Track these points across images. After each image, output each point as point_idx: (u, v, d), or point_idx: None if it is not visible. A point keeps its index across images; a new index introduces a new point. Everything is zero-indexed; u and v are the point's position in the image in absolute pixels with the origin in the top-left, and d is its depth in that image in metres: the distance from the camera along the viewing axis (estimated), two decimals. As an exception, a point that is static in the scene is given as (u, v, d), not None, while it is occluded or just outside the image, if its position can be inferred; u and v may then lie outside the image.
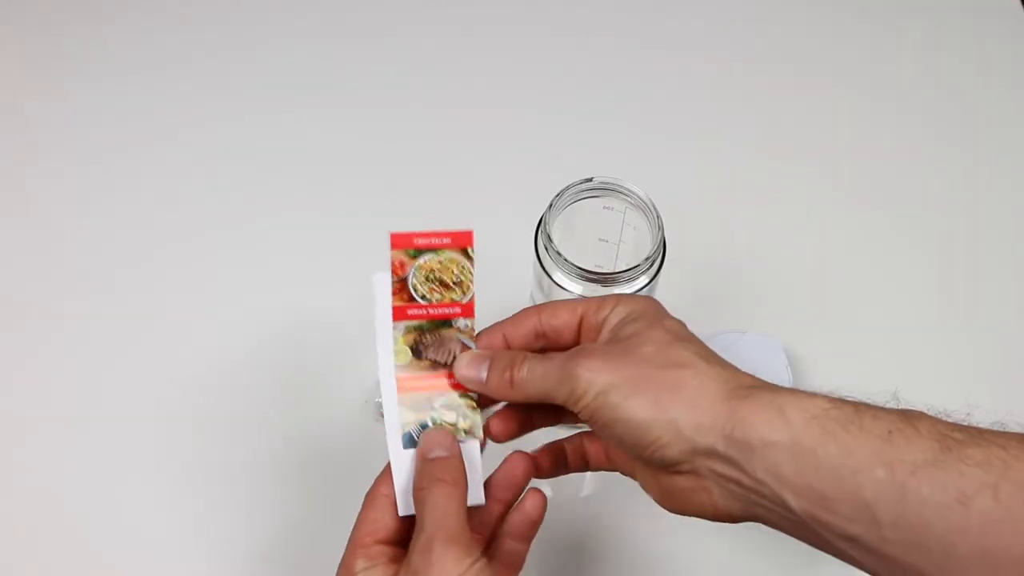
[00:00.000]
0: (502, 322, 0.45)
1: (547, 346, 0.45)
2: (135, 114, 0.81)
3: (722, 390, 0.39)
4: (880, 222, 0.76)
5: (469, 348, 0.46)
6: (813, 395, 0.39)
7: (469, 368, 0.44)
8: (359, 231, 0.73)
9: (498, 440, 0.46)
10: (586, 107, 0.82)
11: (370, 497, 0.44)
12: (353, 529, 0.43)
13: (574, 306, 0.45)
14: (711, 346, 0.63)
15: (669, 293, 0.57)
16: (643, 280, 0.51)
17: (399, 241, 0.46)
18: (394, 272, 0.46)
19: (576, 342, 0.45)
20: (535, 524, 0.45)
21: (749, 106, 0.83)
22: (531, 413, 0.46)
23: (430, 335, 0.46)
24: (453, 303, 0.46)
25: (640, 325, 0.42)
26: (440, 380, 0.46)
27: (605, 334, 0.43)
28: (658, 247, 0.51)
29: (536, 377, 0.42)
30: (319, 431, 0.64)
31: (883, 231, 0.76)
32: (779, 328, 0.67)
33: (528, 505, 0.45)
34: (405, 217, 0.73)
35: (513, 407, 0.46)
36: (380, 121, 0.81)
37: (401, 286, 0.46)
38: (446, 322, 0.46)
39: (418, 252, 0.47)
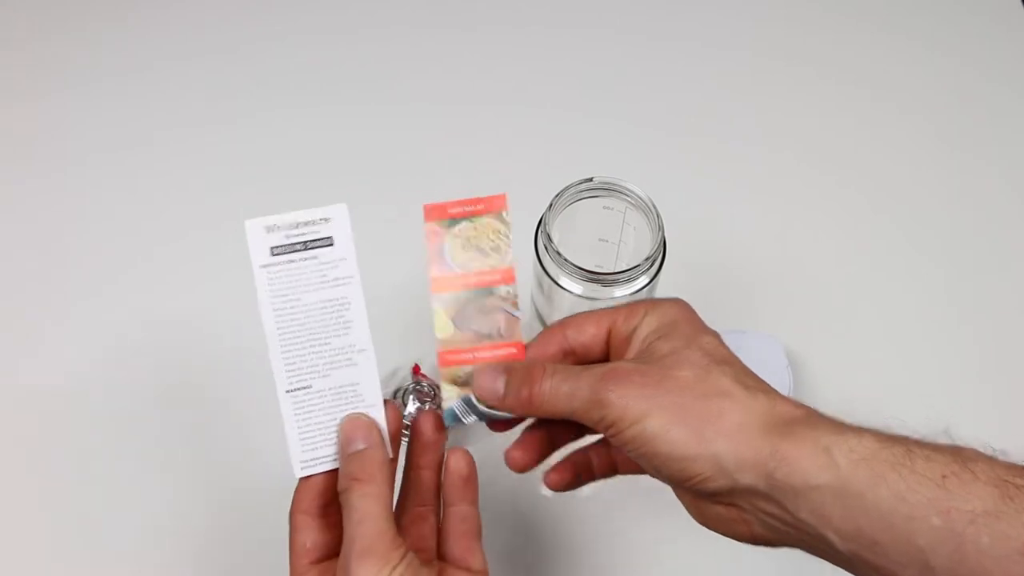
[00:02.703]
0: (528, 345, 0.43)
1: (577, 363, 0.42)
2: (125, 116, 0.81)
3: (764, 423, 0.37)
4: (880, 222, 0.76)
5: (513, 317, 0.44)
6: (859, 431, 0.37)
7: (486, 379, 0.42)
8: (355, 230, 0.73)
9: (519, 471, 0.44)
10: (586, 107, 0.82)
11: (292, 520, 0.42)
12: (289, 558, 0.42)
13: (600, 318, 0.42)
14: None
15: (669, 293, 0.57)
16: (643, 280, 0.51)
17: (433, 212, 0.47)
18: (430, 243, 0.47)
19: (606, 357, 0.42)
20: (469, 480, 0.44)
21: (750, 106, 0.83)
22: (552, 434, 0.44)
23: (473, 305, 0.45)
24: (492, 270, 0.45)
25: (676, 343, 0.39)
26: (484, 352, 0.44)
27: (636, 346, 0.41)
28: (658, 247, 0.51)
29: (560, 397, 0.39)
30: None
31: (884, 231, 0.76)
32: (779, 328, 0.66)
33: (452, 464, 0.44)
34: (402, 217, 0.74)
35: (534, 431, 0.44)
36: (375, 120, 0.81)
37: (438, 257, 0.46)
38: (487, 291, 0.45)
39: (453, 222, 0.47)
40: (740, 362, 0.40)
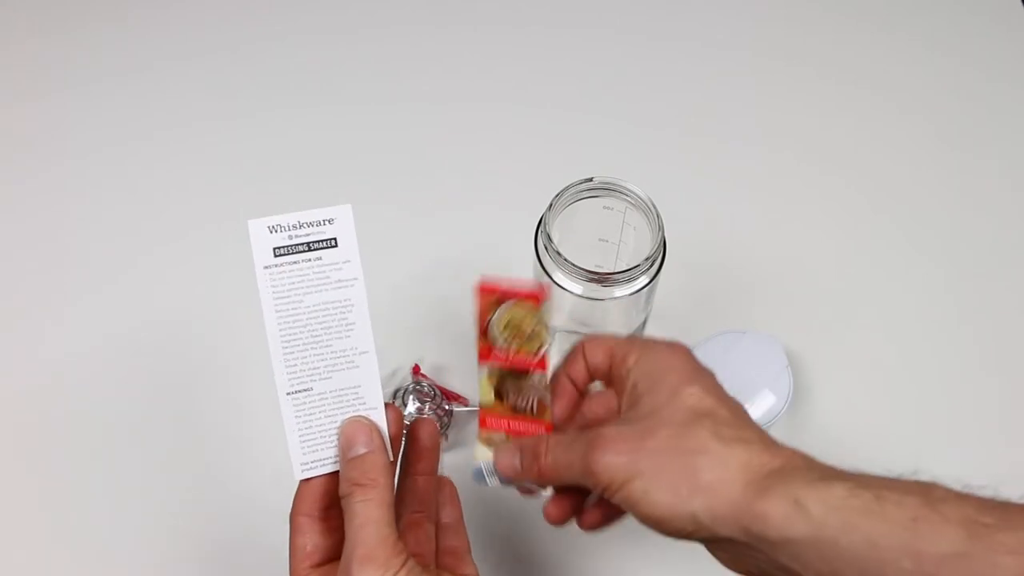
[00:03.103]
0: (561, 363, 0.46)
1: (595, 379, 0.46)
2: (124, 116, 0.81)
3: (739, 478, 0.38)
4: (881, 222, 0.76)
5: (545, 400, 0.48)
6: (830, 480, 0.37)
7: (505, 457, 0.45)
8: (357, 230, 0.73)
9: (556, 524, 0.46)
10: (586, 107, 0.82)
11: (292, 523, 0.43)
12: (289, 561, 0.42)
13: (606, 348, 0.45)
14: (711, 346, 0.64)
15: (669, 293, 0.58)
16: (643, 280, 0.51)
17: (485, 289, 0.49)
18: (480, 317, 0.50)
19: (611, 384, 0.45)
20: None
21: (750, 106, 0.83)
22: (581, 488, 0.45)
23: (512, 383, 0.50)
24: (530, 356, 0.49)
25: (659, 398, 0.41)
26: (519, 424, 0.49)
27: (627, 390, 0.43)
28: (658, 247, 0.50)
29: (561, 468, 0.42)
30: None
31: (884, 231, 0.76)
32: (779, 328, 0.66)
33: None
34: (398, 217, 0.74)
35: (565, 488, 0.46)
36: (375, 119, 0.81)
37: (485, 330, 0.50)
38: (523, 372, 0.50)
39: (500, 301, 0.50)
40: (725, 408, 0.41)
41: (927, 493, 0.36)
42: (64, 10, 0.87)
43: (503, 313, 0.50)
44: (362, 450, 0.41)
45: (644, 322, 0.58)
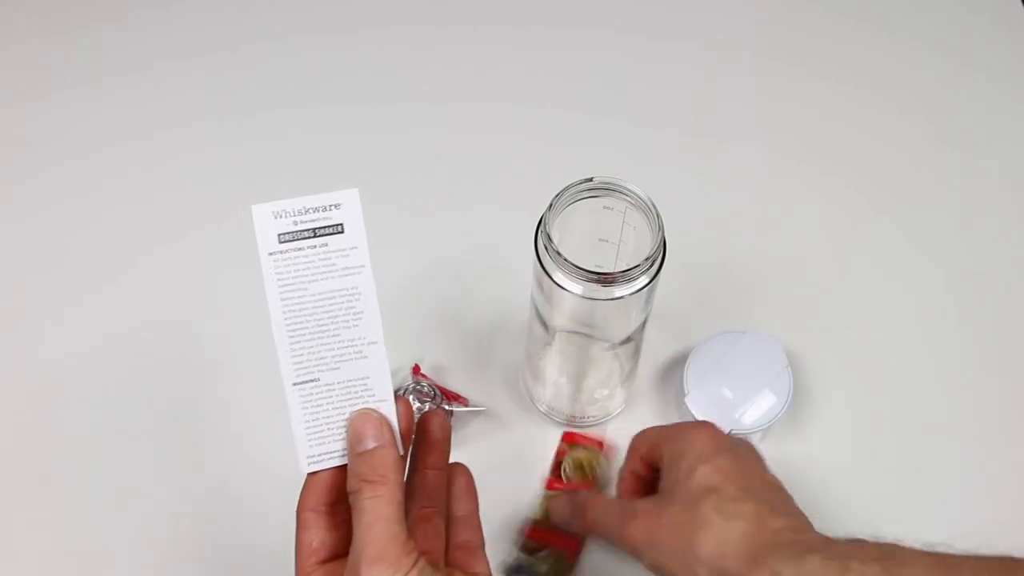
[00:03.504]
0: (624, 462, 0.54)
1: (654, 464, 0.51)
2: (124, 115, 0.81)
3: (736, 551, 0.43)
4: (881, 222, 0.76)
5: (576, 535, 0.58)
6: (806, 554, 0.41)
7: (560, 506, 0.55)
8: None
9: None
10: (586, 107, 0.82)
11: (299, 518, 0.42)
12: (295, 557, 0.41)
13: (649, 437, 0.52)
14: (711, 346, 0.64)
15: (669, 293, 0.58)
16: (643, 280, 0.51)
17: (566, 436, 0.63)
18: (557, 456, 0.62)
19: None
20: (470, 487, 0.48)
21: (750, 106, 0.83)
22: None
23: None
24: (591, 483, 0.61)
25: (678, 475, 0.47)
26: (556, 540, 0.58)
27: (662, 473, 0.49)
28: (658, 247, 0.50)
29: (600, 525, 0.50)
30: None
31: (884, 231, 0.76)
32: (779, 328, 0.66)
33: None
34: (399, 217, 0.74)
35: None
36: (375, 119, 0.81)
37: (557, 466, 0.62)
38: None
39: (573, 445, 0.63)
40: (732, 484, 0.46)
41: (889, 558, 0.40)
42: (64, 10, 0.87)
43: (574, 454, 0.62)
44: (371, 444, 0.40)
45: (644, 322, 0.58)
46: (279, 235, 0.40)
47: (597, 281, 0.50)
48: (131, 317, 0.70)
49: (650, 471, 0.52)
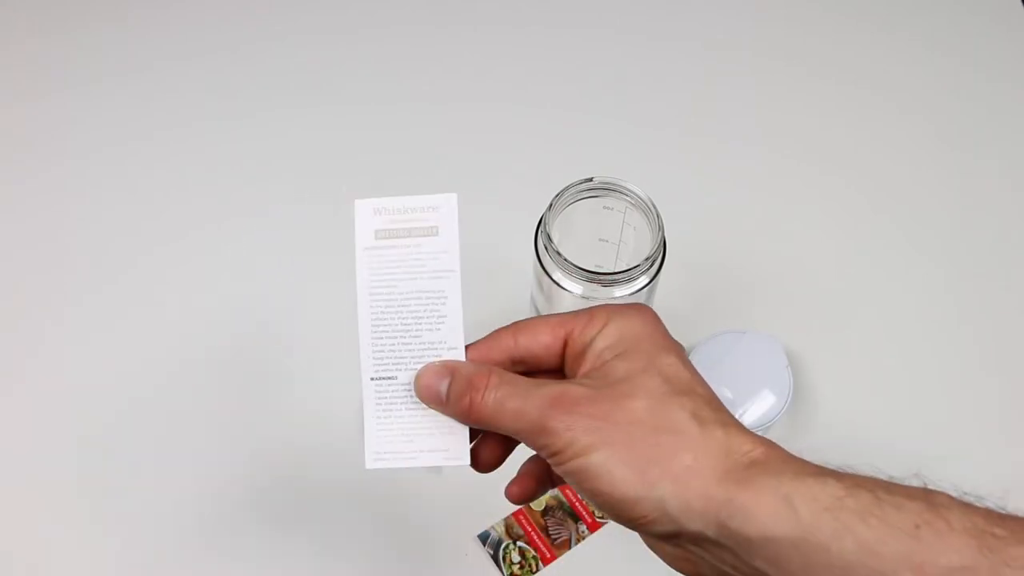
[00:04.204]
0: (473, 344, 0.40)
1: (526, 371, 0.40)
2: (124, 116, 0.81)
3: (718, 467, 0.34)
4: (880, 222, 0.76)
5: (580, 539, 0.59)
6: (822, 476, 0.34)
7: (430, 376, 0.40)
8: (350, 231, 0.73)
9: (518, 503, 0.43)
10: (586, 107, 0.82)
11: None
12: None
13: (556, 326, 0.39)
14: (711, 346, 0.64)
15: (669, 293, 0.58)
16: (643, 280, 0.51)
17: None
18: None
19: (559, 367, 0.40)
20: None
21: (750, 106, 0.83)
22: (550, 470, 0.40)
23: (560, 513, 0.61)
24: (592, 514, 0.61)
25: (633, 364, 0.37)
26: (540, 540, 0.60)
27: (590, 361, 0.38)
28: (658, 247, 0.50)
29: (506, 414, 0.37)
30: (318, 432, 0.64)
31: (884, 231, 0.75)
32: (779, 328, 0.66)
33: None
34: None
35: (530, 467, 0.42)
36: (375, 119, 0.81)
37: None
38: (576, 517, 0.61)
39: None
40: (701, 388, 0.37)
41: (929, 498, 0.33)
42: (64, 10, 0.87)
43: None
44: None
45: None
46: (376, 231, 0.41)
47: (597, 281, 0.50)
48: (130, 317, 0.70)
49: (516, 364, 0.40)
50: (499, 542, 0.60)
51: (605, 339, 0.38)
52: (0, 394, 0.66)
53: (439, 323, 0.41)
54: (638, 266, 0.50)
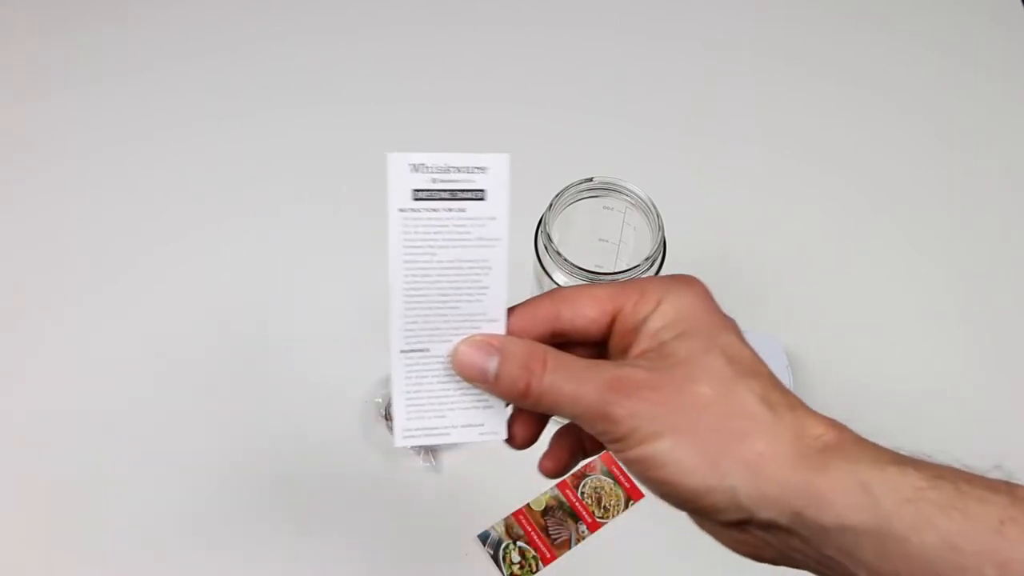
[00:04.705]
0: (511, 314, 0.37)
1: (563, 344, 0.37)
2: (125, 116, 0.81)
3: (791, 452, 0.32)
4: (880, 222, 0.76)
5: (580, 539, 0.60)
6: (902, 463, 0.32)
7: (474, 354, 0.36)
8: (350, 230, 0.73)
9: (552, 477, 0.40)
10: (586, 107, 0.82)
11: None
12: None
13: (603, 301, 0.36)
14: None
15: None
16: (643, 280, 0.51)
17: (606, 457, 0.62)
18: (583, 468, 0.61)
19: (602, 341, 0.37)
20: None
21: (750, 106, 0.83)
22: (583, 440, 0.39)
23: (560, 513, 0.61)
24: (592, 515, 0.61)
25: (693, 345, 0.34)
26: (540, 541, 0.60)
27: (644, 341, 0.35)
28: (658, 247, 0.50)
29: (563, 398, 0.34)
30: (318, 432, 0.64)
31: (884, 231, 0.76)
32: (779, 328, 0.66)
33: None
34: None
35: (562, 440, 0.39)
36: (375, 119, 0.81)
37: (578, 481, 0.62)
38: (576, 517, 0.61)
39: (609, 473, 0.64)
40: (764, 368, 0.35)
41: (1012, 492, 0.31)
42: (64, 10, 0.87)
43: (598, 480, 0.62)
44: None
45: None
46: (414, 191, 0.36)
47: (597, 281, 0.50)
48: (130, 317, 0.70)
49: (555, 337, 0.37)
50: (499, 542, 0.60)
51: (661, 318, 0.35)
52: (0, 394, 0.66)
53: (480, 294, 0.37)
54: (638, 266, 0.50)
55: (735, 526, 0.33)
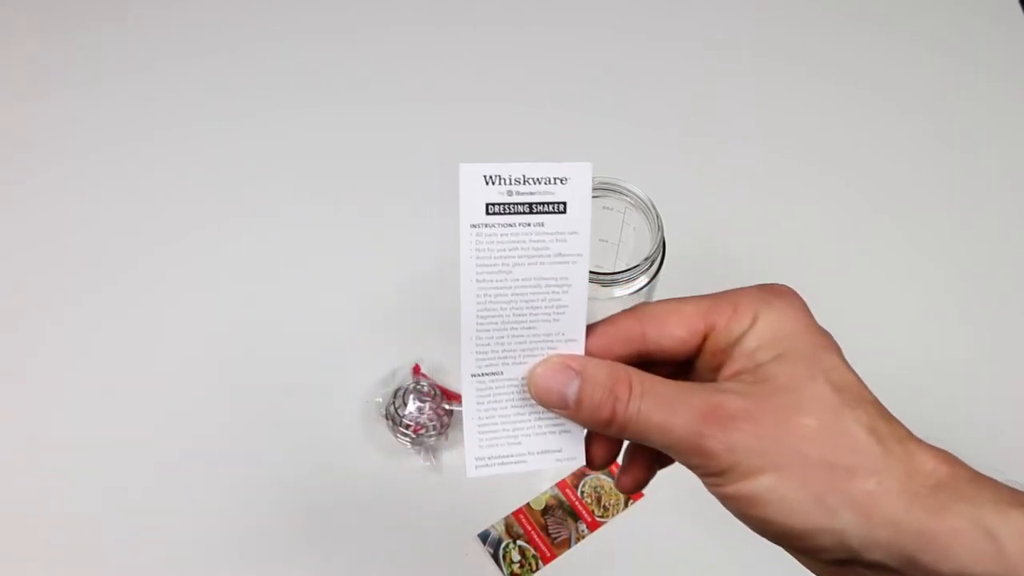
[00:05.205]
0: (591, 333, 0.35)
1: (648, 364, 0.34)
2: (125, 116, 0.81)
3: (903, 491, 0.30)
4: (881, 222, 0.76)
5: (580, 538, 0.60)
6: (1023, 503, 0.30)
7: (553, 377, 0.34)
8: (351, 231, 0.73)
9: (632, 492, 0.39)
10: (586, 107, 0.82)
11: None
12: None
13: (693, 319, 0.34)
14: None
15: (669, 293, 0.57)
16: (643, 280, 0.51)
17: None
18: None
19: (692, 359, 0.35)
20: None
21: (750, 106, 0.83)
22: (660, 454, 0.34)
23: (560, 512, 0.61)
24: (592, 514, 0.61)
25: (795, 370, 0.32)
26: (539, 539, 0.60)
27: (739, 361, 0.33)
28: (658, 247, 0.50)
29: (651, 428, 0.32)
30: (318, 432, 0.64)
31: (884, 231, 0.76)
32: (779, 328, 0.66)
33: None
34: (399, 217, 0.74)
35: (638, 452, 0.37)
36: (376, 119, 0.81)
37: (578, 480, 0.63)
38: (575, 516, 0.61)
39: (609, 472, 0.63)
40: (870, 395, 0.33)
41: None
42: (64, 10, 0.87)
43: (597, 480, 0.62)
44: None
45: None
46: (488, 204, 0.34)
47: (597, 281, 0.50)
48: (131, 317, 0.70)
49: (640, 357, 0.35)
50: (499, 541, 0.60)
51: (757, 337, 0.32)
52: (0, 394, 0.66)
53: (558, 314, 0.35)
54: (638, 266, 0.50)
55: (838, 563, 0.31)
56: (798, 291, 0.35)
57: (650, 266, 0.51)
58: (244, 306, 0.70)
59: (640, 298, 0.52)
